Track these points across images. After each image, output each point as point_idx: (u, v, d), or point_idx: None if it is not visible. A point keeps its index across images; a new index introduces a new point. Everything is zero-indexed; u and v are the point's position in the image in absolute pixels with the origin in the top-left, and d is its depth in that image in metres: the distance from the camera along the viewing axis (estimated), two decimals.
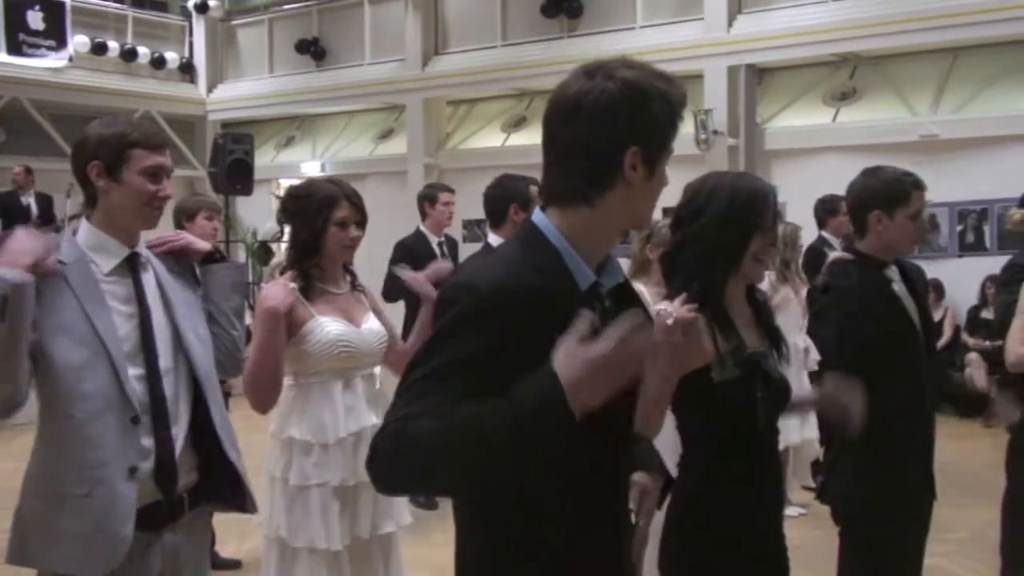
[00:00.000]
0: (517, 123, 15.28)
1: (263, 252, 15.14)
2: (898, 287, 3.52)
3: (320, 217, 3.43)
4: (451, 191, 7.57)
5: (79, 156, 2.73)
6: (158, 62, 17.48)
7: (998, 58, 11.82)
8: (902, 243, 3.48)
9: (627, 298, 1.97)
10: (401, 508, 3.58)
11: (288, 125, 18.08)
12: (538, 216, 1.90)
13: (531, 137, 14.90)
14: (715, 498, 2.66)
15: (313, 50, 16.81)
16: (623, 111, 1.82)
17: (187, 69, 18.08)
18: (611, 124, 1.82)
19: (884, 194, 3.46)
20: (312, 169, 16.77)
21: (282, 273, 3.57)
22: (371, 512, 3.45)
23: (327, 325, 3.41)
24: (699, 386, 2.59)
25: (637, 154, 1.83)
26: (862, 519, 3.34)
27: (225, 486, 2.88)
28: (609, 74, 1.84)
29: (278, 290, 3.40)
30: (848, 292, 3.40)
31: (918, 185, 3.47)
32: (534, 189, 4.59)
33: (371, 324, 3.55)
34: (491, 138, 15.44)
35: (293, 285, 3.43)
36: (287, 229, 3.61)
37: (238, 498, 2.93)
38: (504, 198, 4.63)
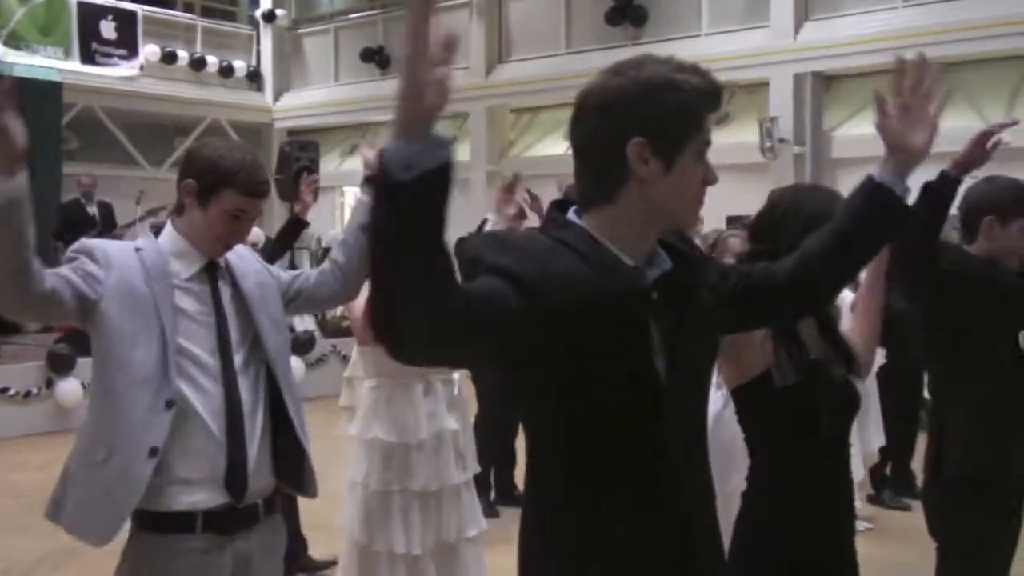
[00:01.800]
0: None
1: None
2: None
3: None
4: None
5: (187, 165, 2.82)
6: (226, 71, 17.77)
7: None
8: (1010, 253, 3.42)
9: (680, 287, 1.89)
10: (480, 513, 3.62)
11: (353, 133, 18.24)
12: (573, 220, 1.88)
13: None
14: (781, 511, 2.61)
15: (378, 59, 16.95)
16: (622, 104, 1.79)
17: (254, 77, 18.36)
18: (611, 116, 1.79)
19: (1001, 200, 3.41)
20: None
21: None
22: (456, 516, 3.47)
23: None
24: (761, 393, 2.57)
25: (643, 145, 1.78)
26: (964, 534, 3.27)
27: (291, 466, 2.89)
28: (618, 72, 1.83)
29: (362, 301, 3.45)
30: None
31: None
32: None
33: None
34: (553, 146, 15.44)
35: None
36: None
37: (300, 479, 2.92)
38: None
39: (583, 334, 1.72)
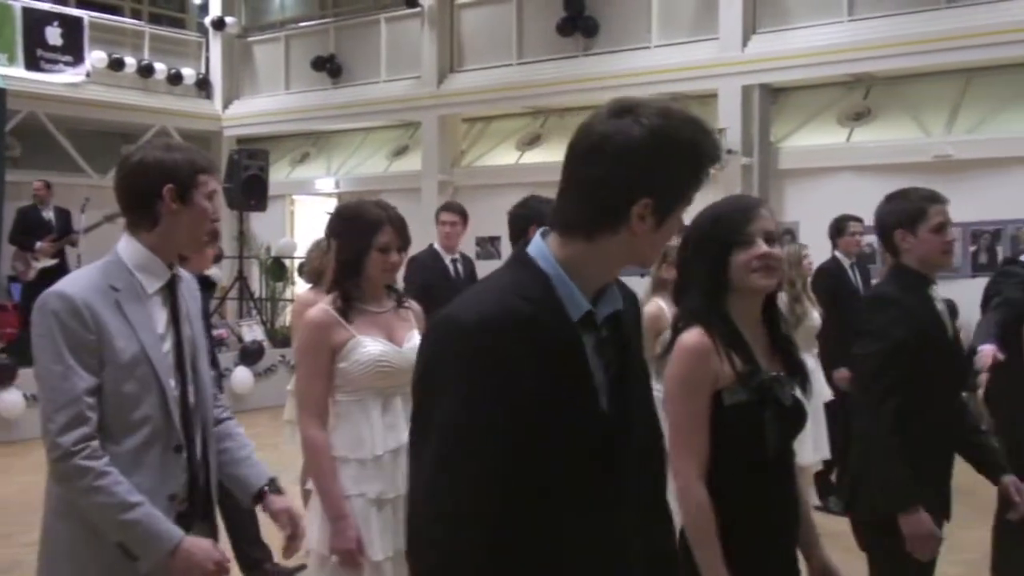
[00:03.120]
0: (532, 141, 15.32)
1: (277, 268, 15.19)
2: (940, 306, 3.61)
3: (363, 240, 3.50)
4: (454, 211, 7.49)
5: (145, 178, 2.68)
6: (175, 78, 17.62)
7: (1012, 80, 11.82)
8: (931, 255, 3.54)
9: (622, 327, 1.95)
10: None
11: (303, 142, 18.17)
12: (536, 242, 1.87)
13: (546, 155, 14.93)
14: (727, 524, 2.62)
15: (329, 67, 16.90)
16: (642, 161, 1.78)
17: (203, 85, 18.21)
18: (626, 172, 1.78)
19: (902, 212, 3.56)
20: (327, 186, 16.85)
21: (329, 291, 3.65)
22: None
23: (366, 345, 3.45)
24: (713, 410, 2.60)
25: (648, 205, 1.79)
26: (886, 539, 3.34)
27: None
28: (639, 117, 1.80)
29: (318, 313, 3.48)
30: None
31: (934, 199, 3.56)
32: None
33: (414, 342, 3.54)
34: (506, 156, 15.49)
35: (329, 307, 3.49)
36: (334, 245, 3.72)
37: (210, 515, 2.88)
38: (527, 219, 4.62)
39: (529, 383, 1.74)
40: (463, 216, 7.48)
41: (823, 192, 12.16)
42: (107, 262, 2.69)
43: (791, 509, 2.75)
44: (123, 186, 2.72)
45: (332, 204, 16.10)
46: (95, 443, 2.52)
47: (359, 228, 3.53)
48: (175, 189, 2.67)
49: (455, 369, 1.72)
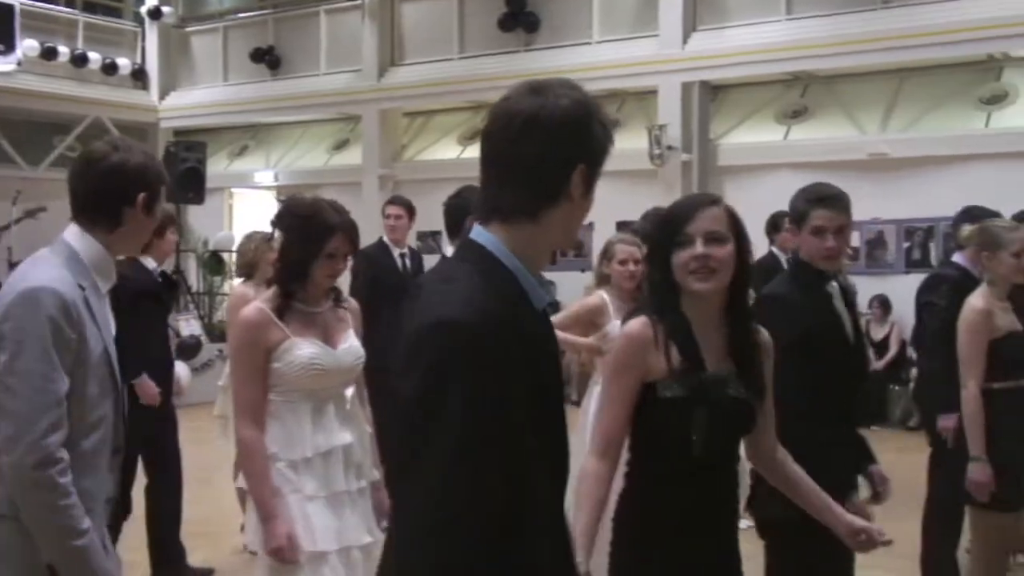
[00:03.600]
0: (473, 135, 15.29)
1: (215, 262, 15.02)
2: (838, 303, 3.59)
3: (315, 245, 3.39)
4: (398, 205, 7.54)
5: (123, 181, 2.62)
6: (109, 68, 17.30)
7: (945, 79, 12.05)
8: (813, 259, 3.54)
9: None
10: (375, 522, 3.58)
11: (242, 134, 17.97)
12: (483, 236, 1.84)
13: None
14: (649, 516, 2.63)
15: (268, 59, 16.73)
16: (576, 129, 1.83)
17: (139, 76, 17.91)
18: (565, 141, 1.82)
19: (793, 209, 3.61)
20: (266, 179, 16.69)
21: (268, 285, 3.60)
22: (355, 523, 3.43)
23: (300, 347, 3.38)
24: (646, 400, 2.60)
25: (583, 172, 1.83)
26: (787, 534, 3.28)
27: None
28: (556, 93, 1.85)
29: (253, 313, 3.40)
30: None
31: (821, 202, 3.54)
32: None
33: (349, 343, 3.52)
34: (447, 150, 15.45)
35: (264, 306, 3.41)
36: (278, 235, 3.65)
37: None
38: (464, 209, 4.59)
39: (522, 381, 1.76)
40: (409, 210, 7.50)
41: (761, 189, 12.27)
42: (67, 258, 2.57)
43: (723, 510, 2.70)
44: (95, 185, 2.63)
45: (271, 197, 15.95)
46: (66, 453, 2.42)
47: (312, 231, 3.40)
48: (147, 198, 2.65)
49: (466, 372, 1.67)
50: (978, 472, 4.17)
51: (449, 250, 4.57)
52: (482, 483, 1.66)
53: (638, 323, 2.67)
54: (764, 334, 2.79)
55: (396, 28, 15.70)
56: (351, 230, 3.49)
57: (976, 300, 4.38)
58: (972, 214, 6.06)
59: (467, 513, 1.64)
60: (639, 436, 2.68)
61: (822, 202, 3.55)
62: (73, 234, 2.62)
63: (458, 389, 1.65)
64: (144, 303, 5.35)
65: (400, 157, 15.79)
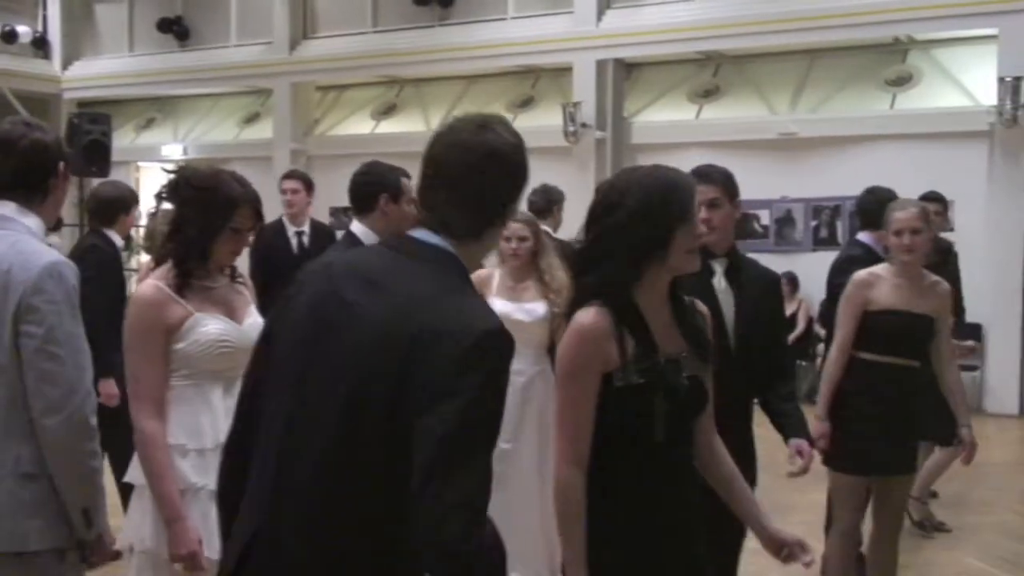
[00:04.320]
0: (387, 110, 15.19)
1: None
2: (718, 280, 3.59)
3: (218, 219, 3.14)
4: (294, 179, 7.07)
5: (48, 154, 2.87)
6: (9, 36, 16.74)
7: (853, 61, 12.30)
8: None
9: None
10: None
11: (149, 106, 17.58)
12: (442, 246, 2.06)
13: (401, 125, 14.83)
14: (616, 512, 2.54)
15: (176, 29, 16.38)
16: (517, 168, 2.14)
17: (40, 44, 17.37)
18: (507, 171, 2.12)
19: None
20: (174, 152, 16.35)
21: (157, 263, 3.24)
22: None
23: (206, 323, 3.12)
24: (604, 390, 2.50)
25: (512, 203, 2.16)
26: None
27: None
28: (499, 130, 2.13)
29: (151, 290, 3.12)
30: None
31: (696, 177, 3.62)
32: (406, 182, 4.45)
33: (254, 318, 3.26)
34: (361, 125, 15.31)
35: (160, 283, 3.12)
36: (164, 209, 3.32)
37: None
38: (375, 186, 4.47)
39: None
40: (306, 184, 7.03)
41: (673, 167, 12.41)
42: (32, 234, 2.81)
43: (689, 500, 2.63)
44: (22, 164, 2.84)
45: None
46: None
47: (216, 204, 3.15)
48: (66, 166, 2.91)
49: (492, 374, 1.91)
50: (815, 428, 4.29)
51: (356, 226, 4.42)
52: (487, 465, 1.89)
53: (591, 315, 2.52)
54: (700, 304, 2.76)
55: (308, 0, 15.48)
56: (256, 202, 3.27)
57: (858, 273, 4.50)
58: (875, 194, 6.24)
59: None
60: (598, 430, 2.53)
61: (695, 176, 3.59)
62: (17, 211, 2.82)
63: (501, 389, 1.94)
64: (110, 276, 5.40)
65: (312, 132, 15.60)
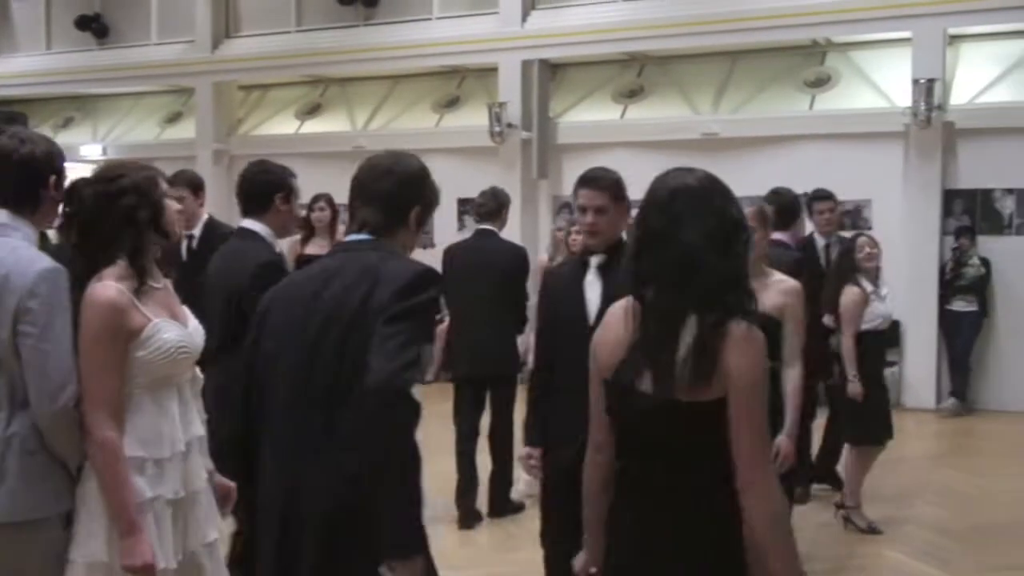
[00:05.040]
0: (312, 110, 15.08)
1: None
2: (592, 277, 3.88)
3: (157, 205, 3.13)
4: (178, 185, 6.22)
5: (38, 167, 3.13)
6: None
7: (772, 62, 12.51)
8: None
9: None
10: (217, 517, 3.34)
11: (67, 105, 17.23)
12: (370, 238, 2.84)
13: (326, 125, 14.73)
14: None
15: (95, 27, 16.08)
16: (419, 180, 2.96)
17: None
18: (414, 187, 2.94)
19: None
20: (93, 152, 16.04)
21: (99, 263, 3.09)
22: (197, 522, 3.16)
23: (166, 330, 3.06)
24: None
25: (418, 212, 2.91)
26: None
27: None
28: (411, 158, 3.03)
29: (114, 294, 3.00)
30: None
31: (582, 183, 3.93)
32: (295, 182, 4.56)
33: (195, 322, 3.25)
34: (285, 125, 15.18)
35: (122, 287, 3.01)
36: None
37: None
38: (273, 185, 4.49)
39: None
40: (192, 187, 6.44)
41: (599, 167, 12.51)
42: (29, 242, 3.12)
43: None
44: (14, 177, 3.11)
45: None
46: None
47: (158, 192, 3.14)
48: (57, 179, 3.16)
49: (426, 298, 2.68)
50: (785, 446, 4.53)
51: (250, 223, 4.44)
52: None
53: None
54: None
55: None
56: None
57: None
58: (780, 195, 6.50)
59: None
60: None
61: (583, 182, 3.86)
62: (10, 219, 3.10)
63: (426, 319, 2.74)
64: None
65: (235, 131, 15.43)
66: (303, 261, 7.75)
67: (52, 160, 3.16)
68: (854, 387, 6.25)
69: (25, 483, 2.97)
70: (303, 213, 7.19)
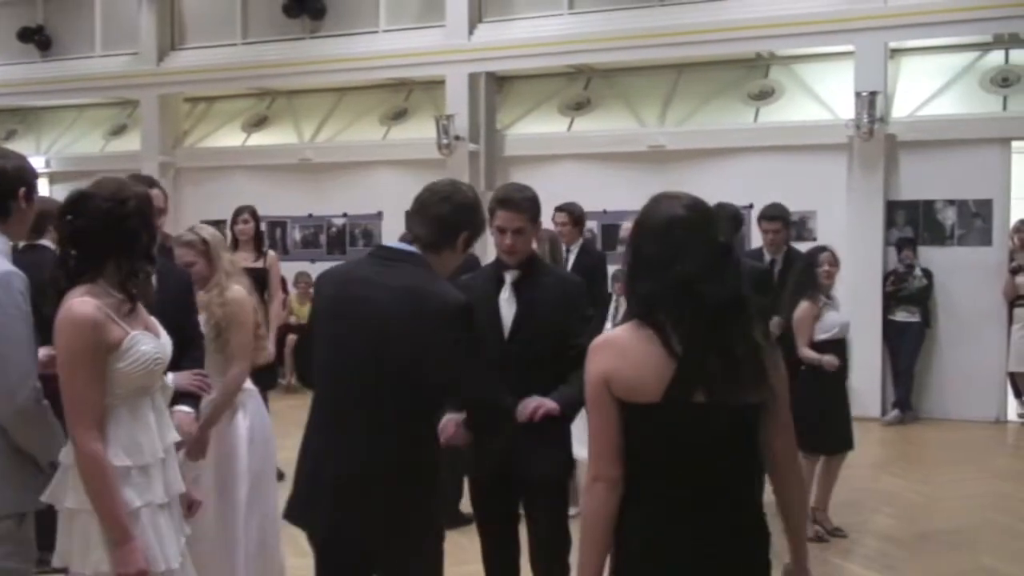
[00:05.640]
0: (258, 123, 14.98)
1: None
2: (507, 294, 4.02)
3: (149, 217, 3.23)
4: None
5: (7, 180, 3.35)
6: None
7: (718, 75, 12.64)
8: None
9: None
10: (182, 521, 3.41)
11: (9, 118, 16.97)
12: (415, 250, 3.37)
13: (272, 137, 14.65)
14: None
15: (38, 39, 15.86)
16: (469, 208, 3.47)
17: None
18: (463, 214, 3.44)
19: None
20: (36, 166, 15.75)
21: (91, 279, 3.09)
22: (177, 524, 3.27)
23: (143, 342, 3.12)
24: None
25: (467, 237, 3.43)
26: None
27: None
28: (466, 188, 3.56)
29: (91, 309, 3.02)
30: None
31: (500, 204, 4.05)
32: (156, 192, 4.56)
33: (164, 331, 3.30)
34: (231, 137, 15.07)
35: (99, 302, 3.05)
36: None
37: None
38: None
39: None
40: None
41: (546, 179, 12.52)
42: (2, 248, 3.31)
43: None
44: None
45: (43, 184, 15.13)
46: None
47: (148, 205, 3.22)
48: (27, 192, 3.40)
49: (464, 330, 3.26)
50: None
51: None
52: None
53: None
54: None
55: (176, 10, 15.19)
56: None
57: None
58: (722, 207, 6.59)
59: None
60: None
61: (501, 203, 4.01)
62: None
63: (463, 335, 3.27)
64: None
65: (181, 144, 15.28)
66: None
67: (22, 174, 3.40)
68: (829, 359, 6.39)
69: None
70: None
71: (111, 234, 3.07)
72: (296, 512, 3.43)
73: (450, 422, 3.53)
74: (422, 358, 3.18)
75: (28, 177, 3.42)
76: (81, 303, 3.02)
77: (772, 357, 2.62)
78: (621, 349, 2.57)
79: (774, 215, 7.62)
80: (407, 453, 3.27)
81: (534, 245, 4.34)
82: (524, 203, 4.00)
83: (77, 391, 3.02)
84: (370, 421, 3.24)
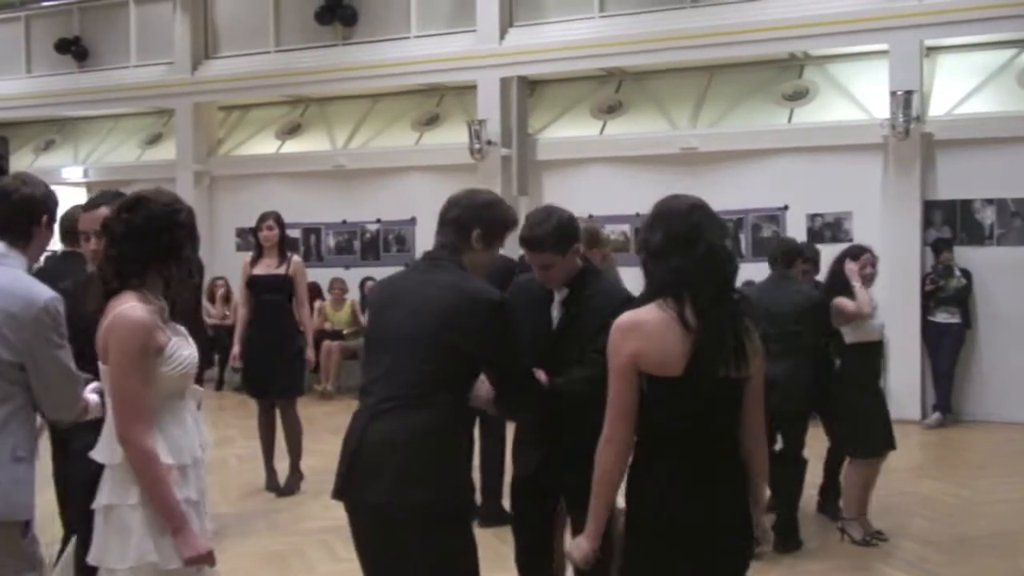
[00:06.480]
0: (292, 130, 15.08)
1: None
2: (556, 306, 4.06)
3: (196, 242, 3.40)
4: (88, 209, 5.19)
5: (34, 206, 3.60)
6: None
7: (750, 76, 12.58)
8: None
9: None
10: None
11: (48, 128, 17.18)
12: (447, 255, 3.59)
13: (306, 144, 14.73)
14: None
15: (75, 50, 16.04)
16: (487, 206, 3.67)
17: None
18: (481, 215, 3.66)
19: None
20: (74, 175, 16.02)
21: (118, 286, 3.23)
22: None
23: (183, 347, 3.26)
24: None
25: (480, 235, 3.58)
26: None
27: None
28: (480, 191, 3.84)
29: (143, 313, 3.14)
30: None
31: (524, 243, 4.07)
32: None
33: (191, 339, 3.39)
34: (265, 145, 15.17)
35: (150, 307, 3.17)
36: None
37: None
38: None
39: None
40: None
41: (578, 182, 12.56)
42: (25, 271, 3.55)
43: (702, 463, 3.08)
44: (10, 213, 3.54)
45: (82, 194, 15.30)
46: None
47: (192, 219, 3.38)
48: (48, 219, 3.66)
49: (508, 322, 3.48)
50: None
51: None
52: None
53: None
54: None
55: (210, 20, 15.31)
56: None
57: None
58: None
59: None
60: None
61: (523, 243, 4.04)
62: (7, 249, 3.50)
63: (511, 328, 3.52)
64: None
65: (216, 152, 15.41)
66: (253, 280, 7.79)
67: (47, 201, 3.66)
68: (861, 294, 6.39)
69: (12, 487, 3.38)
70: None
71: (162, 237, 3.21)
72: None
73: (483, 384, 3.56)
74: (464, 335, 3.36)
75: (52, 205, 3.69)
76: (131, 308, 3.15)
77: (754, 339, 3.06)
78: (648, 332, 2.95)
79: (810, 256, 7.57)
80: (444, 419, 3.40)
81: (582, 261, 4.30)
82: (546, 240, 3.95)
83: (132, 391, 3.13)
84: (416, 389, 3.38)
